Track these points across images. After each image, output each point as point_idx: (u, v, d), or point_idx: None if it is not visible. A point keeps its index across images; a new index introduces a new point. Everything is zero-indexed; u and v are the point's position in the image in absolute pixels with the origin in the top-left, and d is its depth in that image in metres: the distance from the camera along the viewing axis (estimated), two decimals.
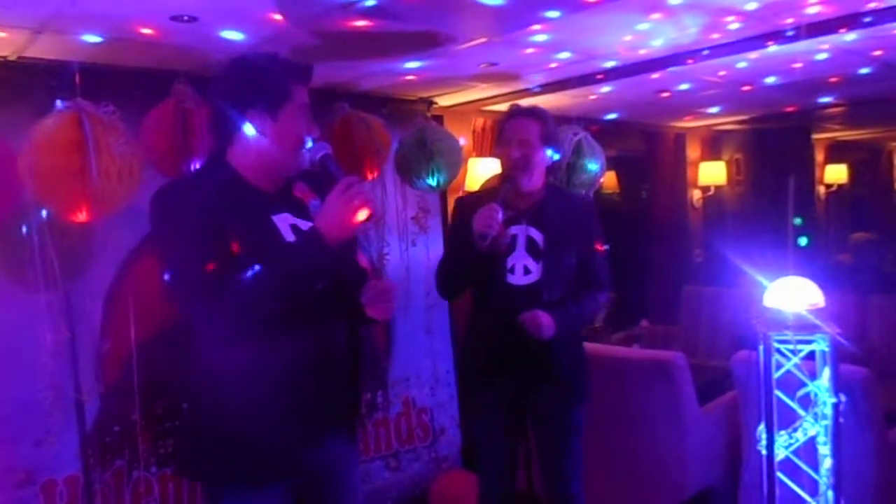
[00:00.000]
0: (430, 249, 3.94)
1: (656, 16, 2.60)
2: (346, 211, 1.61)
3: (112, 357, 2.93)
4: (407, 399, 3.88)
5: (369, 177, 3.33)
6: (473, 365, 2.64)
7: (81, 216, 2.32)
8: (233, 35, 2.49)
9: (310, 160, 1.72)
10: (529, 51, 3.00)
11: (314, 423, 1.79)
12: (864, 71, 3.68)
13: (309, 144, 1.73)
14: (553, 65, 3.30)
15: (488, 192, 2.66)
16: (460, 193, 4.26)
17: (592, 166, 3.63)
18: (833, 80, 3.92)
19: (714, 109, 5.03)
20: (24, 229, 2.46)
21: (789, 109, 5.02)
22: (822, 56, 3.32)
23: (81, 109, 2.29)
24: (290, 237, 1.72)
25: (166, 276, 1.65)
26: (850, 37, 2.95)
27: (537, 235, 2.49)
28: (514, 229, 2.48)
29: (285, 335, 1.71)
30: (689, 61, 3.19)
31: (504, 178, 2.49)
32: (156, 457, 3.05)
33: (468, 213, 2.45)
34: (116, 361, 2.93)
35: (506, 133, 2.51)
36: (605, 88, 3.88)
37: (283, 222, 1.74)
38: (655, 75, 3.53)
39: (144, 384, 2.95)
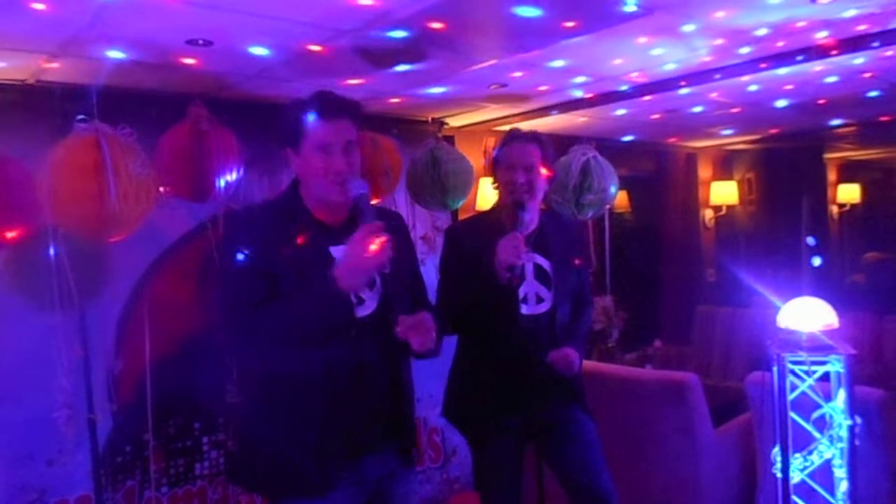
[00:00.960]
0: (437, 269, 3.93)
1: (667, 39, 2.61)
2: (360, 258, 1.67)
3: (125, 377, 2.94)
4: (418, 419, 3.87)
5: (377, 198, 3.35)
6: (481, 404, 2.46)
7: (98, 237, 2.34)
8: (257, 50, 2.51)
9: (352, 197, 1.78)
10: (542, 71, 3.03)
11: (355, 438, 1.83)
12: (872, 94, 3.68)
13: (354, 182, 1.79)
14: (568, 88, 3.32)
15: (485, 221, 2.58)
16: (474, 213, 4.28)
17: (602, 186, 3.63)
18: (843, 101, 3.92)
19: (726, 131, 5.03)
20: (41, 250, 2.49)
21: (801, 129, 5.01)
22: (831, 79, 3.32)
23: (99, 132, 2.32)
24: None
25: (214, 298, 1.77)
26: (858, 60, 2.96)
27: (543, 262, 2.44)
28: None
29: (324, 359, 1.78)
30: (708, 81, 3.20)
31: (513, 205, 2.40)
32: (167, 477, 3.06)
33: (467, 243, 2.44)
34: (130, 381, 2.94)
35: (508, 158, 2.46)
36: (620, 111, 3.91)
37: (340, 254, 1.78)
38: (680, 92, 3.53)
39: (157, 404, 2.96)
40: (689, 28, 2.51)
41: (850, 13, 2.40)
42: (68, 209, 2.33)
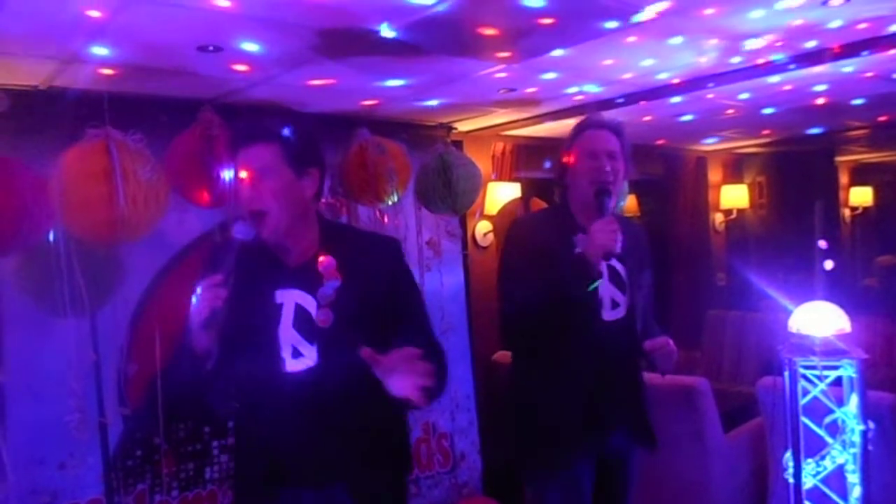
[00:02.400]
0: (444, 274, 3.94)
1: (676, 40, 2.61)
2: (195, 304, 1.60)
3: (136, 380, 2.95)
4: (427, 424, 3.86)
5: (382, 203, 3.35)
6: (559, 421, 2.17)
7: (109, 242, 2.36)
8: (267, 56, 2.52)
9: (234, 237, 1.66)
10: (548, 77, 3.03)
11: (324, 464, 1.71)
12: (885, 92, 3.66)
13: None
14: (572, 91, 3.32)
15: (552, 217, 2.35)
16: (483, 217, 4.28)
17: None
18: (855, 103, 3.90)
19: (734, 133, 5.01)
20: (52, 255, 2.50)
21: (812, 132, 4.99)
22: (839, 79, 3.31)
23: (110, 137, 2.34)
24: (288, 316, 1.69)
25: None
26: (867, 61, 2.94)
27: (617, 264, 2.19)
28: None
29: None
30: (710, 85, 3.19)
31: (597, 193, 2.13)
32: (178, 480, 3.06)
33: (537, 240, 2.20)
34: (141, 385, 2.95)
35: (587, 144, 2.20)
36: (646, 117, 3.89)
37: (289, 298, 1.70)
38: (676, 99, 3.53)
39: (167, 408, 2.97)
40: (694, 32, 2.50)
41: (861, 14, 2.39)
42: (79, 214, 2.34)
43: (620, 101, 3.47)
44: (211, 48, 2.36)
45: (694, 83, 3.18)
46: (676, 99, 3.52)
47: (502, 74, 2.91)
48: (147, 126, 2.55)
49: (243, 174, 1.67)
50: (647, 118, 4.07)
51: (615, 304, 2.20)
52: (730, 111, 3.99)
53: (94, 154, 2.31)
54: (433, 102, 3.17)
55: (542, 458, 2.21)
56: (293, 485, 1.72)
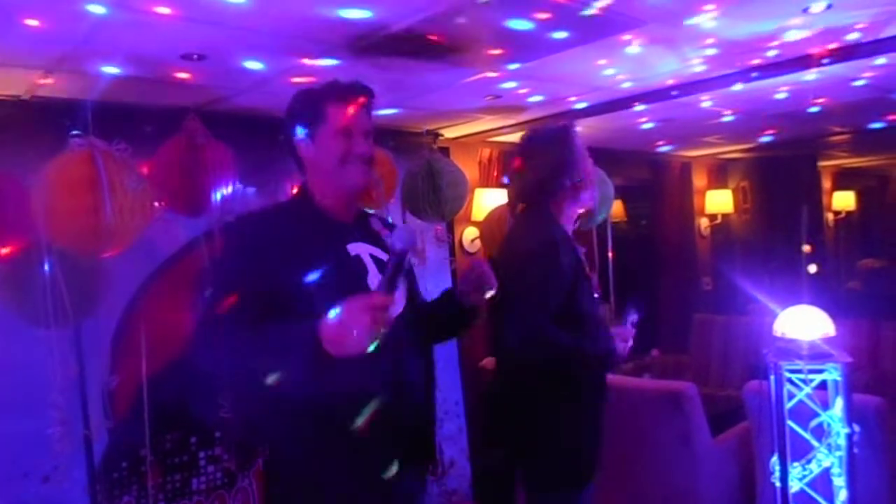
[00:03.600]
0: (430, 281, 3.93)
1: (659, 49, 2.63)
2: (350, 328, 1.38)
3: (121, 392, 2.93)
4: None
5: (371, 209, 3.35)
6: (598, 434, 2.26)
7: (93, 252, 2.34)
8: (251, 64, 2.52)
9: (390, 245, 1.53)
10: (533, 83, 3.04)
11: (387, 461, 1.66)
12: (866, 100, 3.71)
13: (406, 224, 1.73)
14: (562, 99, 3.34)
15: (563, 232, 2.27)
16: (470, 223, 4.28)
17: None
18: (836, 107, 3.95)
19: (720, 139, 5.05)
20: (35, 266, 2.48)
21: (795, 137, 5.04)
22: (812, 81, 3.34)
23: (94, 147, 2.32)
24: (371, 267, 1.71)
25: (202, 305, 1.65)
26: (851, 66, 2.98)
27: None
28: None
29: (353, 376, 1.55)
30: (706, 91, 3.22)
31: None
32: (164, 492, 3.03)
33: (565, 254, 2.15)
34: (125, 396, 2.93)
35: (593, 172, 2.32)
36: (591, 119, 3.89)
37: (363, 251, 1.73)
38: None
39: (153, 419, 2.94)
40: (681, 38, 2.52)
41: (844, 22, 2.42)
42: (63, 224, 2.32)
43: (606, 106, 3.49)
44: (195, 56, 2.35)
45: (683, 89, 3.21)
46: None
47: (487, 73, 2.89)
48: (131, 135, 2.53)
49: (354, 129, 1.70)
50: (642, 123, 4.09)
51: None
52: (726, 113, 4.02)
53: (78, 164, 2.29)
54: (426, 103, 3.17)
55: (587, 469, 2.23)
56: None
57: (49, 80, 2.51)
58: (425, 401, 1.82)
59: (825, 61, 2.76)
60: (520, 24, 2.24)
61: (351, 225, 1.77)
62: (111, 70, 2.43)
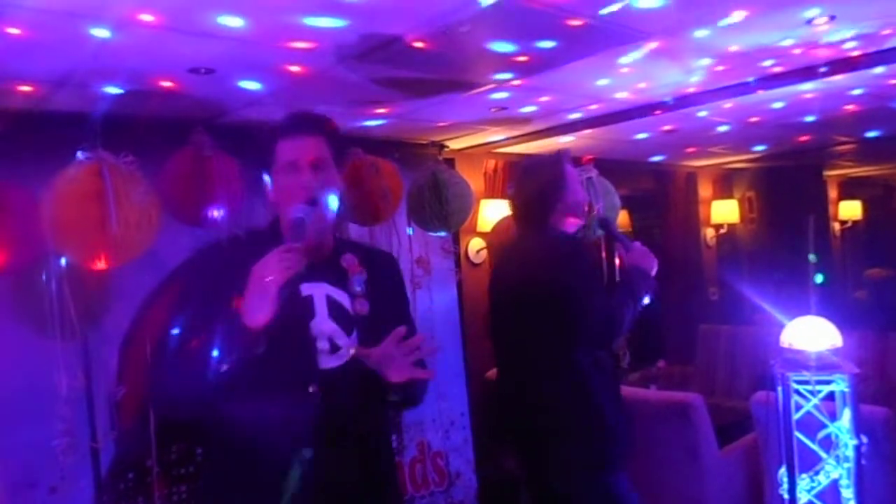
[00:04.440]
0: (436, 292, 3.95)
1: (664, 61, 2.64)
2: (259, 280, 1.45)
3: (127, 403, 2.93)
4: (422, 443, 3.85)
5: (377, 223, 3.36)
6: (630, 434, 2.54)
7: (100, 264, 2.35)
8: (250, 85, 2.55)
9: (289, 219, 1.56)
10: (539, 95, 3.06)
11: None
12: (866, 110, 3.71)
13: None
14: (568, 110, 3.35)
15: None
16: (475, 235, 4.29)
17: (605, 204, 3.64)
18: (844, 117, 3.95)
19: (725, 149, 5.05)
20: (43, 277, 2.49)
21: (801, 143, 5.04)
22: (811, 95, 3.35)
23: (102, 160, 2.34)
24: (321, 309, 1.63)
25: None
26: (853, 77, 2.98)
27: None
28: None
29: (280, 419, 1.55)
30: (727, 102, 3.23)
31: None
32: (170, 503, 3.03)
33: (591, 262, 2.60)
34: (132, 407, 2.94)
35: (573, 179, 2.56)
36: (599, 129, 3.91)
37: (317, 291, 1.64)
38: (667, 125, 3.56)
39: (159, 430, 2.95)
40: (685, 50, 2.53)
41: (845, 34, 2.43)
42: (71, 237, 2.34)
43: (611, 118, 3.50)
44: (203, 70, 2.37)
45: (686, 101, 3.22)
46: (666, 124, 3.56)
47: (503, 95, 2.94)
48: (139, 148, 2.55)
49: (298, 162, 1.62)
50: (641, 136, 4.11)
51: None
52: (722, 128, 4.03)
53: (86, 177, 2.32)
54: (432, 115, 3.20)
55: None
56: None
57: (58, 94, 2.52)
58: (376, 447, 1.70)
59: (822, 70, 2.77)
60: (526, 40, 2.26)
61: (315, 263, 1.63)
62: (119, 84, 2.45)
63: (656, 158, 5.19)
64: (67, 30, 1.95)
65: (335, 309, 1.64)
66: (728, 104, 3.33)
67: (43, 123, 2.72)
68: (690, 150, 4.97)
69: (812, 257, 2.96)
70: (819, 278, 2.92)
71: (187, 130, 2.75)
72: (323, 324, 1.62)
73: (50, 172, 2.44)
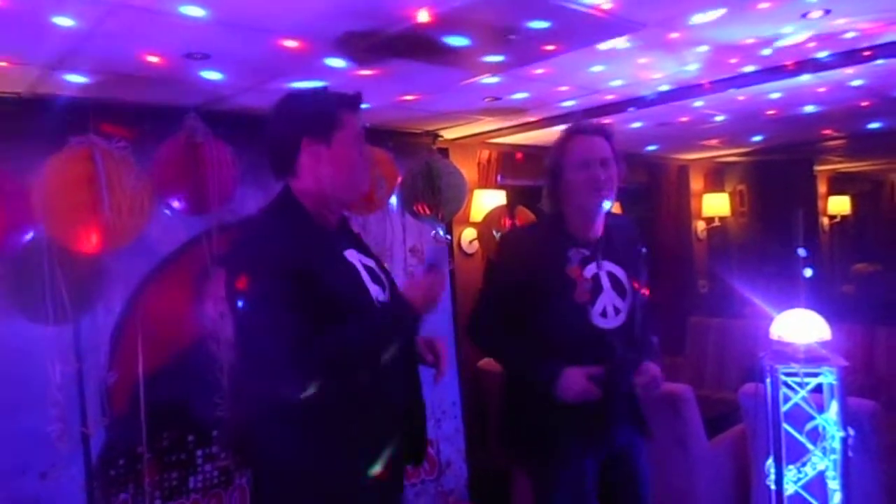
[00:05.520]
0: None
1: (658, 52, 2.64)
2: (433, 293, 1.76)
3: (119, 389, 2.93)
4: None
5: (373, 210, 3.35)
6: (562, 419, 2.17)
7: (92, 250, 2.34)
8: (253, 62, 2.52)
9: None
10: (533, 85, 3.05)
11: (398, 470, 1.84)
12: (863, 104, 3.73)
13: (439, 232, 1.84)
14: (562, 100, 3.35)
15: (538, 227, 2.47)
16: (468, 225, 4.29)
17: None
18: (834, 112, 3.97)
19: (717, 142, 5.07)
20: (34, 263, 2.48)
21: (791, 141, 5.07)
22: (822, 90, 3.37)
23: (94, 145, 2.33)
24: (365, 276, 1.75)
25: (248, 339, 1.66)
26: (848, 71, 3.00)
27: (617, 270, 2.22)
28: (591, 268, 2.18)
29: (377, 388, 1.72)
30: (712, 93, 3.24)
31: (589, 205, 2.17)
32: (161, 490, 3.04)
33: (526, 251, 2.24)
34: (123, 394, 2.93)
35: (579, 153, 2.15)
36: (607, 120, 3.92)
37: (354, 260, 1.76)
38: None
39: (150, 417, 2.94)
40: (678, 42, 2.53)
41: (840, 26, 2.44)
42: (62, 222, 2.33)
43: (604, 109, 3.50)
44: (198, 55, 2.36)
45: (680, 92, 3.22)
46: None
47: (493, 79, 2.91)
48: (131, 133, 2.54)
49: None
50: (636, 125, 4.11)
51: (617, 311, 2.19)
52: (721, 117, 4.04)
53: (78, 162, 2.30)
54: (426, 104, 3.19)
55: (541, 457, 2.22)
56: None
57: (49, 78, 2.50)
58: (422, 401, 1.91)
59: (824, 61, 2.78)
60: (518, 28, 2.25)
61: (337, 231, 1.80)
62: (113, 68, 2.43)
63: (650, 149, 5.19)
64: (58, 12, 1.93)
65: (368, 271, 1.80)
66: (722, 95, 3.34)
67: (34, 108, 2.69)
68: (687, 141, 4.97)
69: (801, 251, 2.98)
70: (808, 272, 2.93)
71: (180, 116, 2.73)
72: (372, 286, 1.79)
73: (42, 157, 2.42)
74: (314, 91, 1.78)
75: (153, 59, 2.36)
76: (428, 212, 3.43)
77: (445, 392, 3.99)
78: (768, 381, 2.61)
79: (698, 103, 3.56)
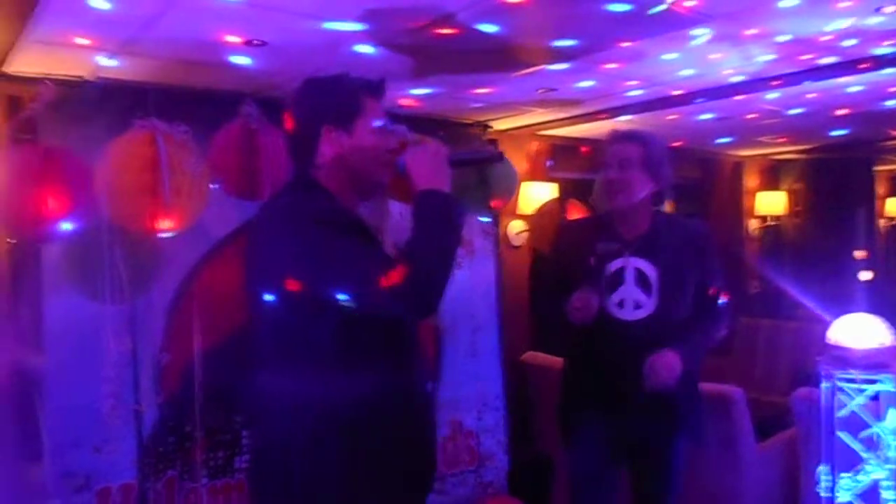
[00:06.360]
0: (478, 273, 3.94)
1: (725, 45, 2.58)
2: (437, 159, 1.66)
3: (171, 369, 3.00)
4: (454, 422, 3.87)
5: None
6: (576, 400, 2.48)
7: (152, 232, 2.39)
8: (310, 51, 2.54)
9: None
10: (590, 76, 3.01)
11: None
12: None
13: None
14: (619, 92, 3.30)
15: (591, 220, 2.76)
16: (516, 217, 4.28)
17: None
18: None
19: (777, 139, 4.94)
20: (96, 243, 2.54)
21: (852, 140, 4.91)
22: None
23: (156, 128, 2.37)
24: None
25: (343, 294, 1.50)
26: None
27: (647, 267, 2.33)
28: (618, 262, 2.33)
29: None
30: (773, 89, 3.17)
31: (609, 204, 2.39)
32: (207, 468, 3.10)
33: (571, 241, 2.54)
34: (175, 373, 3.00)
35: (606, 157, 2.39)
36: (671, 116, 3.86)
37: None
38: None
39: (200, 397, 3.00)
40: (748, 35, 2.47)
41: None
42: (124, 203, 2.38)
43: (663, 102, 3.44)
44: (256, 42, 2.38)
45: (751, 85, 3.15)
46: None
47: (562, 66, 2.83)
48: (191, 118, 2.58)
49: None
50: (705, 116, 4.01)
51: (638, 305, 2.32)
52: (794, 110, 3.91)
53: (140, 145, 2.35)
54: (480, 94, 3.19)
55: (562, 430, 2.51)
56: None
57: (113, 63, 2.56)
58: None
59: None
60: (585, 17, 2.22)
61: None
62: (174, 55, 2.47)
63: (722, 141, 5.05)
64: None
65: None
66: (793, 90, 3.24)
67: (98, 91, 2.75)
68: (749, 137, 4.84)
69: (859, 253, 2.91)
70: (866, 275, 2.86)
71: (237, 102, 2.76)
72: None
73: (105, 140, 2.47)
74: (335, 77, 1.70)
75: (213, 45, 2.39)
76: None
77: (488, 384, 3.99)
78: (824, 386, 2.55)
79: (772, 95, 3.46)
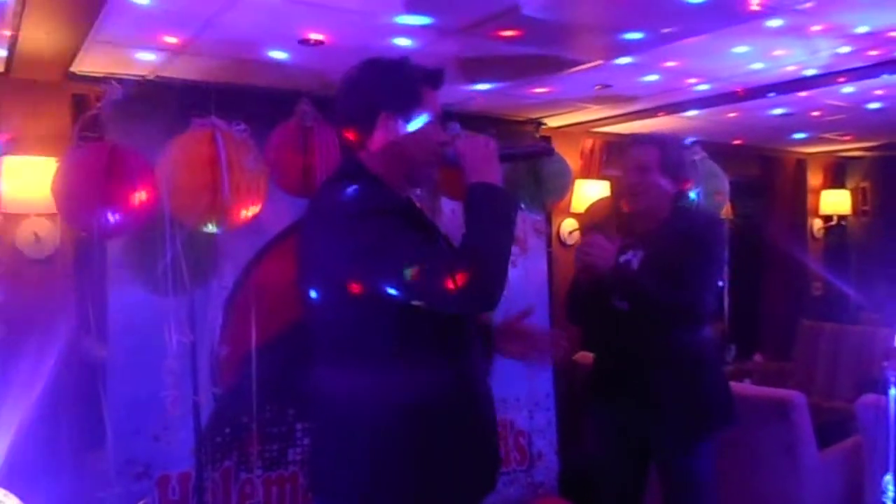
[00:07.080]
0: (530, 271, 3.91)
1: (788, 39, 2.50)
2: (488, 149, 1.63)
3: (229, 361, 3.07)
4: (504, 421, 3.85)
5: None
6: (588, 391, 2.65)
7: (212, 227, 2.45)
8: (366, 50, 2.55)
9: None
10: (648, 72, 2.96)
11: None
12: None
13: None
14: (676, 89, 3.23)
15: (607, 220, 2.85)
16: (568, 215, 4.24)
17: (709, 188, 3.51)
18: None
19: (843, 136, 4.76)
20: (158, 238, 2.62)
21: None
22: None
23: (215, 127, 2.43)
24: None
25: (405, 294, 1.47)
26: None
27: (632, 257, 2.46)
28: (627, 255, 2.44)
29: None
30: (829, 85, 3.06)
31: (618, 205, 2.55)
32: (262, 460, 3.16)
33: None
34: (232, 366, 3.06)
35: (624, 161, 2.52)
36: (732, 114, 3.76)
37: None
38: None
39: (256, 389, 3.06)
40: (814, 29, 2.39)
41: None
42: (184, 200, 2.44)
43: (723, 98, 3.35)
44: (312, 41, 2.41)
45: (824, 78, 3.05)
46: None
47: (626, 59, 2.79)
48: (249, 117, 2.63)
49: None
50: (776, 112, 3.90)
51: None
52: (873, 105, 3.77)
53: (200, 143, 2.41)
54: (535, 92, 3.19)
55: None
56: None
57: (172, 62, 2.62)
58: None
59: None
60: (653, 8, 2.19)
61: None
62: (231, 54, 2.52)
63: (798, 136, 4.88)
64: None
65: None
66: (863, 85, 3.12)
67: (160, 91, 2.83)
68: (815, 132, 4.68)
69: None
70: None
71: (293, 101, 2.81)
72: None
73: (166, 138, 2.54)
74: (397, 62, 1.63)
75: (270, 44, 2.44)
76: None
77: (539, 384, 3.95)
78: (892, 392, 2.44)
79: (848, 89, 3.33)
